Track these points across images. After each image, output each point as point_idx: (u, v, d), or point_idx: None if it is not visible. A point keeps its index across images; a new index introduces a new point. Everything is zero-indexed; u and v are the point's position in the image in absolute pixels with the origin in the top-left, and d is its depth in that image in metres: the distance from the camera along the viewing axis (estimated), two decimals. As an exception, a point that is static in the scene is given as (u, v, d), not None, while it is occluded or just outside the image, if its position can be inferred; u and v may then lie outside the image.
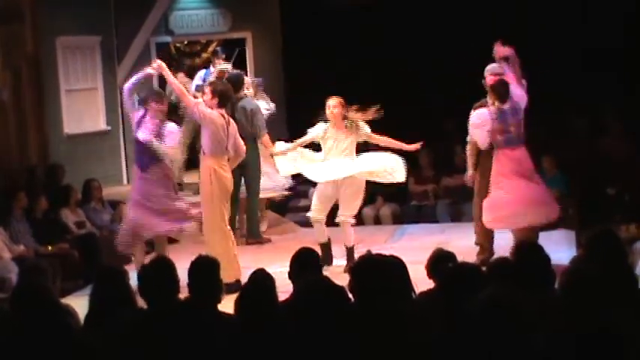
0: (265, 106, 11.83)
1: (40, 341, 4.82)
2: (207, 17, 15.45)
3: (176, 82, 9.43)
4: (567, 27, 12.69)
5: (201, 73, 13.63)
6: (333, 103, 9.50)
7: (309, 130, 9.72)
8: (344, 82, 11.28)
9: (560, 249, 8.99)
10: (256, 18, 15.35)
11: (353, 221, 9.72)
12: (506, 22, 12.47)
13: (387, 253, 5.55)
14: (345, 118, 9.48)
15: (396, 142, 9.61)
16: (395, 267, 5.20)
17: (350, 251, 9.63)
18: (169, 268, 5.42)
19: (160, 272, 5.37)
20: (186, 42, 16.55)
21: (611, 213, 9.97)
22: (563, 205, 9.82)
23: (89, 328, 5.41)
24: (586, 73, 12.20)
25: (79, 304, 5.94)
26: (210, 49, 16.60)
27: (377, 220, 12.55)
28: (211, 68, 13.52)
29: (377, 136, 9.57)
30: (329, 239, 9.74)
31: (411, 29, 13.18)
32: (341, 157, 9.52)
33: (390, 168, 9.56)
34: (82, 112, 14.04)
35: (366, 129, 9.53)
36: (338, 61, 13.21)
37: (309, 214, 9.79)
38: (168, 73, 9.22)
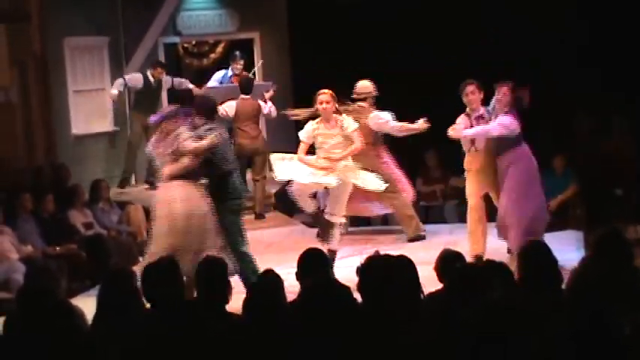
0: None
1: (47, 342, 4.82)
2: (215, 18, 15.44)
3: None
4: (566, 25, 12.62)
5: (219, 75, 13.62)
6: (325, 99, 9.05)
7: (299, 133, 9.30)
8: (353, 82, 11.24)
9: (568, 250, 8.98)
10: (264, 18, 15.34)
11: (343, 220, 9.38)
12: (509, 22, 12.46)
13: (395, 253, 5.54)
14: (336, 112, 9.11)
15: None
16: (404, 267, 5.17)
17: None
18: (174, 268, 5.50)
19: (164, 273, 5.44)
20: (194, 42, 16.55)
21: (619, 214, 9.95)
22: (571, 206, 9.83)
23: (97, 329, 5.41)
24: (592, 72, 12.14)
25: (87, 305, 5.93)
26: (219, 49, 16.59)
27: (385, 221, 12.52)
28: (229, 71, 13.53)
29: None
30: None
31: (422, 27, 13.10)
32: (333, 154, 9.05)
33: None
34: (89, 112, 14.05)
35: (354, 125, 9.12)
36: (347, 60, 13.15)
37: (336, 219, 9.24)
38: None
